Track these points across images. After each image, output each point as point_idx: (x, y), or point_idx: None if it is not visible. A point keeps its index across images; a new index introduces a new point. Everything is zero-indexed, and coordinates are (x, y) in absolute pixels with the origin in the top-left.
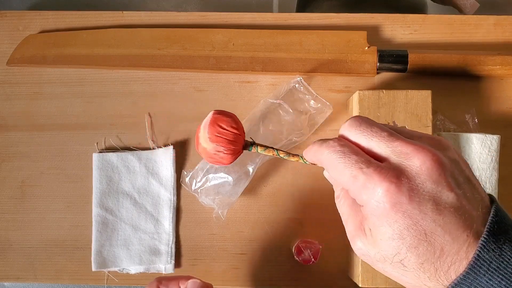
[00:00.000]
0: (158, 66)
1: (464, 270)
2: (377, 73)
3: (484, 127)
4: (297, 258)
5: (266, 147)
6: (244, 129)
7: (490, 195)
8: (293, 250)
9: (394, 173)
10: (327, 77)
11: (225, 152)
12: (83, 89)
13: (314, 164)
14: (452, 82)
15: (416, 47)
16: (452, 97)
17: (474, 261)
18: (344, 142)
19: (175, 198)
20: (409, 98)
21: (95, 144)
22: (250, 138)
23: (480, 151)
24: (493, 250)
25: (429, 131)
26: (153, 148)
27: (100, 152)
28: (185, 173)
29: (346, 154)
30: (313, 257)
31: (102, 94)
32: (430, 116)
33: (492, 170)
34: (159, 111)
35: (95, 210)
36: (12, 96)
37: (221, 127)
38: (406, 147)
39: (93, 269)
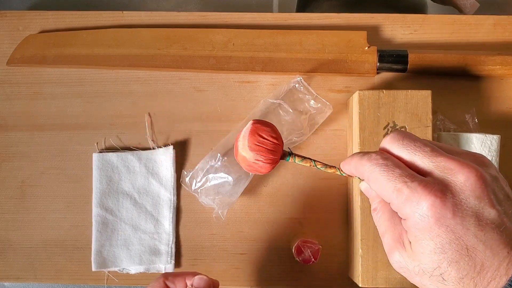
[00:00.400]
0: (158, 66)
1: (504, 286)
2: (377, 73)
3: (484, 127)
4: (297, 258)
5: (304, 157)
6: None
7: None
8: (293, 250)
9: (439, 187)
10: (327, 77)
11: (264, 161)
12: (83, 89)
13: (351, 176)
14: (452, 82)
15: (416, 47)
16: (452, 97)
17: (509, 283)
18: (386, 155)
19: (175, 198)
20: (409, 98)
21: (95, 144)
22: (288, 148)
23: (480, 151)
24: None
25: (429, 131)
26: (153, 148)
27: (100, 152)
28: (185, 173)
29: (389, 167)
30: (313, 257)
31: (102, 94)
32: (430, 116)
33: None
34: (159, 111)
35: (95, 210)
36: (12, 96)
37: (261, 136)
38: (450, 162)
39: (93, 269)
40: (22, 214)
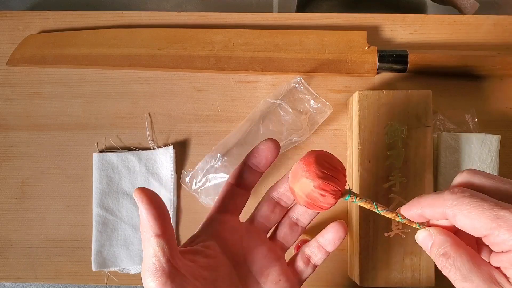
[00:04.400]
0: (158, 66)
1: None
2: (377, 73)
3: (484, 127)
4: None
5: (364, 199)
6: (244, 129)
7: None
8: (293, 250)
9: None
10: (327, 77)
11: (331, 192)
12: (83, 89)
13: (411, 222)
14: (452, 82)
15: (416, 47)
16: (452, 97)
17: None
18: (468, 189)
19: (175, 198)
20: (409, 98)
21: (95, 144)
22: (348, 185)
23: (480, 151)
24: None
25: (429, 131)
26: (153, 148)
27: (100, 152)
28: (185, 173)
29: (481, 198)
30: None
31: (102, 94)
32: (430, 116)
33: (492, 170)
34: (159, 111)
35: (95, 210)
36: (12, 96)
37: (327, 163)
38: None
39: (93, 269)
40: (22, 214)
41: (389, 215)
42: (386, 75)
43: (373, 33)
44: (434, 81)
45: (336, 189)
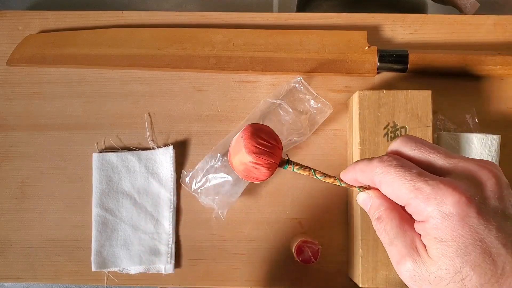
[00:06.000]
0: (158, 66)
1: None
2: (377, 73)
3: (484, 127)
4: (297, 258)
5: (302, 166)
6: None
7: None
8: (293, 250)
9: (463, 186)
10: (327, 77)
11: (264, 165)
12: (83, 89)
13: (350, 186)
14: (452, 82)
15: (416, 47)
16: (452, 97)
17: None
18: (397, 157)
19: (175, 198)
20: (409, 98)
21: (95, 144)
22: (286, 155)
23: (480, 151)
24: None
25: (429, 131)
26: (153, 148)
27: (100, 152)
28: (185, 173)
29: (405, 167)
30: (313, 257)
31: (102, 94)
32: (431, 116)
33: None
34: (159, 111)
35: (95, 210)
36: (12, 96)
37: (260, 137)
38: (469, 163)
39: (93, 269)
40: (22, 214)
41: (329, 180)
42: (386, 75)
43: (373, 33)
44: (435, 81)
45: (269, 162)
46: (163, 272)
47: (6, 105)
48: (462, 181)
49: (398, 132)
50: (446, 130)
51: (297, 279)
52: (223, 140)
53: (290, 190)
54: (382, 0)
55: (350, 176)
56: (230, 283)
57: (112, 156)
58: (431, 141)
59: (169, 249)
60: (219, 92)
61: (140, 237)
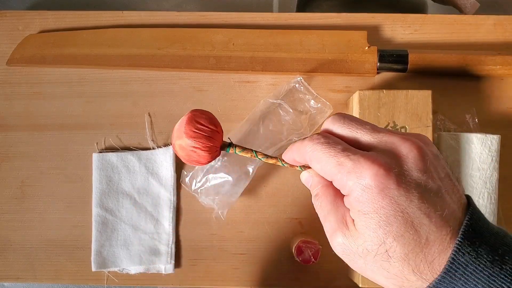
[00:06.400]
0: (158, 66)
1: (441, 273)
2: (377, 73)
3: (485, 127)
4: (297, 258)
5: (244, 148)
6: (244, 129)
7: (466, 196)
8: (293, 250)
9: (382, 159)
10: (327, 77)
11: (202, 148)
12: (83, 89)
13: (292, 166)
14: (452, 82)
15: (416, 47)
16: (452, 97)
17: (449, 265)
18: (327, 134)
19: (175, 198)
20: (409, 98)
21: (95, 144)
22: (228, 138)
23: (480, 151)
24: (468, 253)
25: (429, 131)
26: (153, 148)
27: (100, 152)
28: (185, 173)
29: (331, 144)
30: (313, 257)
31: (102, 94)
32: (431, 116)
33: (492, 170)
34: (159, 111)
35: (95, 210)
36: (12, 96)
37: (198, 123)
38: (392, 137)
39: (93, 269)
40: (22, 214)
41: (271, 161)
42: (386, 75)
43: (373, 33)
44: (435, 81)
45: (207, 145)
46: (163, 272)
47: (6, 105)
48: (384, 154)
49: None
50: (446, 130)
51: (297, 279)
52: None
53: (290, 190)
54: (382, 0)
55: (289, 156)
56: (230, 283)
57: (112, 156)
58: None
59: (169, 249)
60: (219, 92)
61: (140, 237)
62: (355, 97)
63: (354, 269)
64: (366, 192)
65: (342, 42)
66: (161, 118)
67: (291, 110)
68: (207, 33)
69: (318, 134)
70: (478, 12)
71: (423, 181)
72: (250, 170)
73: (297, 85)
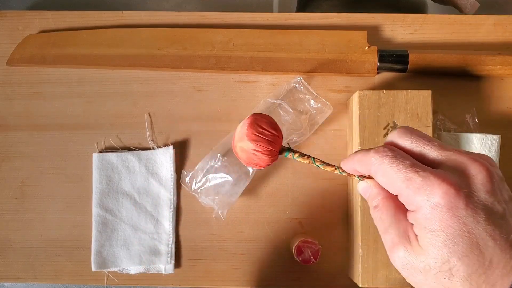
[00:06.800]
0: (158, 66)
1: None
2: (377, 73)
3: (485, 127)
4: (297, 258)
5: (302, 154)
6: None
7: None
8: (293, 250)
9: (452, 177)
10: (327, 77)
11: (263, 152)
12: (83, 89)
13: (350, 175)
14: (452, 82)
15: (416, 47)
16: (452, 97)
17: None
18: (394, 148)
19: (175, 198)
20: (409, 98)
21: (95, 144)
22: (287, 143)
23: (480, 151)
24: None
25: (429, 131)
26: (153, 148)
27: (100, 152)
28: (185, 173)
29: (399, 158)
30: (313, 257)
31: (102, 94)
32: (431, 116)
33: None
34: (159, 111)
35: (95, 210)
36: (12, 96)
37: (260, 127)
38: (461, 156)
39: (93, 269)
40: (22, 214)
41: (329, 169)
42: (386, 75)
43: (373, 33)
44: (435, 81)
45: (268, 149)
46: (163, 272)
47: (6, 105)
48: (453, 173)
49: None
50: (446, 130)
51: (297, 279)
52: (223, 140)
53: (290, 190)
54: (382, 0)
55: (349, 166)
56: (230, 283)
57: (112, 156)
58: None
59: (169, 249)
60: (219, 92)
61: (140, 237)
62: (355, 97)
63: (411, 283)
64: (435, 210)
65: (342, 42)
66: (161, 118)
67: (291, 110)
68: (207, 33)
69: (384, 146)
70: (478, 12)
71: (490, 203)
72: (250, 170)
73: (297, 85)
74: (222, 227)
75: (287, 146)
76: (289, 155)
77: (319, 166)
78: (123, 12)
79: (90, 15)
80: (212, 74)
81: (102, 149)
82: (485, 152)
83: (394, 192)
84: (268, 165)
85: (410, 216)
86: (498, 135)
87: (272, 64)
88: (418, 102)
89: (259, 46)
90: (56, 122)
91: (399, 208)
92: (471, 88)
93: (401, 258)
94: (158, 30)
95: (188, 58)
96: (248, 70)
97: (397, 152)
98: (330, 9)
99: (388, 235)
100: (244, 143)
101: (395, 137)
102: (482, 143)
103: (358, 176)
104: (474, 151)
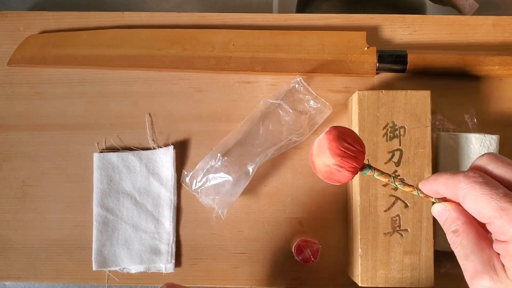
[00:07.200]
0: (158, 66)
1: None
2: (377, 73)
3: (483, 127)
4: (297, 258)
5: (382, 172)
6: (244, 130)
7: None
8: (293, 250)
9: None
10: (327, 78)
11: (348, 169)
12: (83, 89)
13: (427, 196)
14: (451, 82)
15: (415, 48)
16: (451, 97)
17: None
18: (484, 174)
19: (175, 198)
20: (408, 98)
21: (96, 144)
22: (367, 160)
23: (479, 151)
24: None
25: (428, 131)
26: (154, 148)
27: (101, 152)
28: (186, 172)
29: (490, 186)
30: (313, 257)
31: (103, 94)
32: (429, 116)
33: None
34: (159, 111)
35: (95, 210)
36: (12, 96)
37: (346, 141)
38: None
39: (94, 268)
40: (23, 214)
41: (407, 189)
42: (385, 75)
43: (372, 33)
44: (434, 81)
45: (353, 166)
46: (164, 272)
47: (7, 105)
48: None
49: (397, 132)
50: (445, 130)
51: (297, 279)
52: (223, 140)
53: (290, 190)
54: (381, 0)
55: (430, 187)
56: (230, 282)
57: (112, 156)
58: (429, 142)
59: (170, 249)
60: (219, 92)
61: (141, 237)
62: (354, 98)
63: None
64: None
65: (341, 42)
66: (161, 118)
67: (290, 111)
68: (207, 33)
69: (474, 172)
70: (477, 12)
71: None
72: (250, 170)
73: (296, 86)
74: (222, 227)
75: (367, 162)
76: (369, 172)
77: (398, 185)
78: (123, 12)
79: (90, 15)
80: (212, 75)
81: (103, 149)
82: (484, 152)
83: (483, 221)
84: (347, 181)
85: (497, 246)
86: (497, 135)
87: (272, 64)
88: (417, 102)
89: (259, 47)
90: (57, 122)
91: (481, 235)
92: (470, 89)
93: (485, 287)
94: (158, 31)
95: (188, 59)
96: (248, 71)
97: (488, 178)
98: (329, 10)
99: (470, 262)
100: (326, 158)
101: (484, 162)
102: (481, 143)
103: (435, 198)
104: (472, 151)
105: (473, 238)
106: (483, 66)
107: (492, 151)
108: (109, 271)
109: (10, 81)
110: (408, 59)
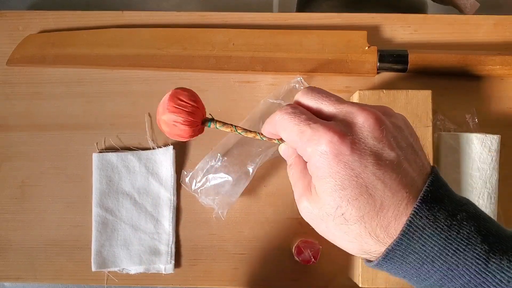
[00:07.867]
0: (158, 66)
1: (398, 235)
2: (377, 73)
3: (484, 127)
4: (297, 258)
5: (224, 123)
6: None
7: (433, 167)
8: (293, 250)
9: (339, 127)
10: (327, 77)
11: (183, 123)
12: (83, 89)
13: (270, 139)
14: (452, 82)
15: (416, 47)
16: (452, 97)
17: (406, 227)
18: (295, 105)
19: (175, 198)
20: (409, 98)
21: (95, 144)
22: (210, 114)
23: (480, 151)
24: (426, 217)
25: (429, 131)
26: (153, 148)
27: (100, 152)
28: (185, 173)
29: (296, 114)
30: (313, 257)
31: (102, 94)
32: (431, 116)
33: (492, 170)
34: None
35: (95, 210)
36: (12, 96)
37: (180, 99)
38: (352, 107)
39: (93, 269)
40: (22, 214)
41: (250, 135)
42: (386, 75)
43: (373, 33)
44: (435, 81)
45: (188, 119)
46: (163, 272)
47: (7, 105)
48: (341, 123)
49: None
50: (446, 130)
51: (297, 279)
52: (223, 140)
53: (290, 190)
54: (382, 0)
55: (266, 129)
56: (230, 283)
57: (112, 156)
58: (431, 141)
59: (169, 249)
60: (219, 92)
61: (140, 237)
62: (355, 97)
63: (319, 233)
64: (322, 158)
65: (342, 42)
66: None
67: None
68: (207, 33)
69: (287, 105)
70: (478, 12)
71: (379, 148)
72: (250, 170)
73: (297, 85)
74: (222, 227)
75: (210, 116)
76: (211, 125)
77: (241, 133)
78: (123, 12)
79: (90, 15)
80: (212, 74)
81: (102, 149)
82: (485, 152)
83: (293, 147)
84: (191, 136)
85: (308, 168)
86: (498, 135)
87: (272, 64)
88: (418, 102)
89: (259, 46)
90: (56, 122)
91: (306, 164)
92: (471, 88)
93: (305, 208)
94: (158, 30)
95: (188, 58)
96: (248, 70)
97: (297, 108)
98: (330, 9)
99: (296, 188)
100: (165, 115)
101: (298, 96)
102: (482, 143)
103: (278, 140)
104: (474, 151)
105: (300, 168)
106: (484, 65)
107: (493, 151)
108: (109, 272)
109: (10, 81)
110: (409, 59)
